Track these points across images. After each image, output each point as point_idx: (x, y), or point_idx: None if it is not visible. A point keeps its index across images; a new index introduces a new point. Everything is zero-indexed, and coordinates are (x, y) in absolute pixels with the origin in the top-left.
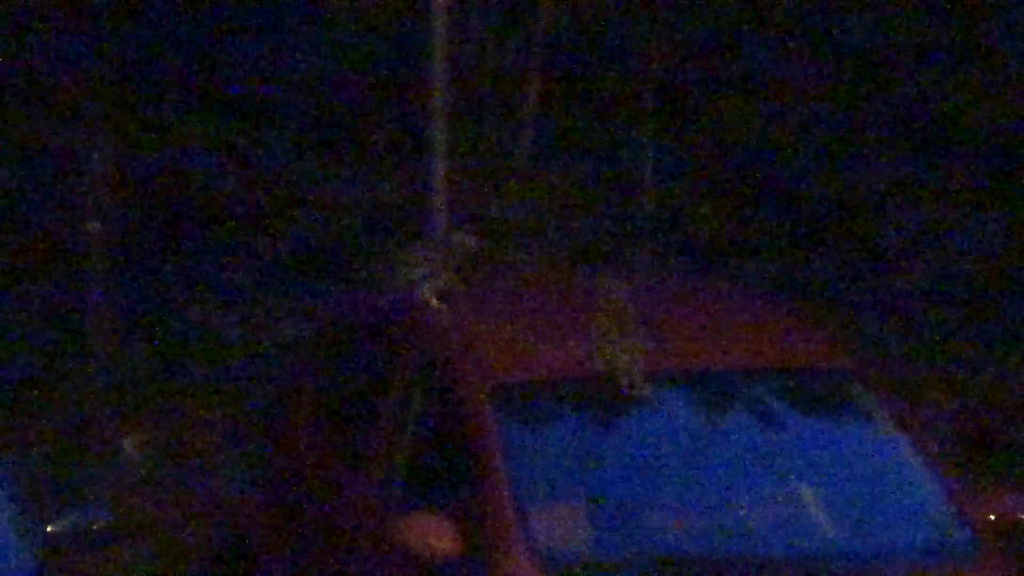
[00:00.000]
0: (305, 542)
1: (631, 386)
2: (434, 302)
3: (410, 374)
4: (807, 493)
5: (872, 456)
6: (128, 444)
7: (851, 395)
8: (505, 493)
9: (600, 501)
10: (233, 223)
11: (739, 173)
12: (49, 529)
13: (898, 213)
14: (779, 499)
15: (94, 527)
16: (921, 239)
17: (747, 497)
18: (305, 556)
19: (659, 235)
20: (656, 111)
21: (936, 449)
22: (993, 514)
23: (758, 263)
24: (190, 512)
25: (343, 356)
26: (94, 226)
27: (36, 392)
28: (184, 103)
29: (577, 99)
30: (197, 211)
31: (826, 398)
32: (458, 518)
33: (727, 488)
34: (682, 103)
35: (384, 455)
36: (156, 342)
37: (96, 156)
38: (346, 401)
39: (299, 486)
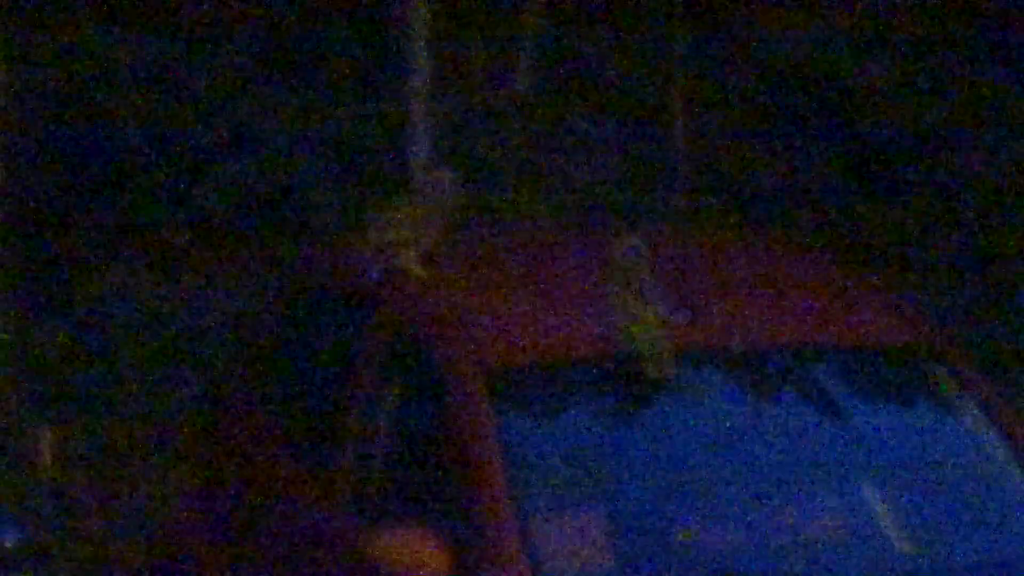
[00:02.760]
0: (255, 564)
1: (657, 369)
2: (416, 268)
3: (385, 357)
4: (875, 500)
5: (956, 454)
6: (39, 446)
7: (931, 380)
8: (503, 501)
9: (620, 510)
10: (163, 167)
11: (791, 104)
12: None
13: (992, 153)
14: (841, 508)
15: (2, 547)
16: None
17: (801, 506)
18: None
19: (692, 181)
20: (689, 26)
21: None
22: None
23: (815, 215)
24: (115, 527)
25: (301, 335)
26: None
27: None
28: (97, 12)
29: (590, 10)
30: (118, 151)
31: (900, 383)
32: (445, 533)
33: (776, 495)
34: (720, 16)
35: (354, 457)
36: (69, 319)
37: None
38: (306, 390)
39: (247, 495)
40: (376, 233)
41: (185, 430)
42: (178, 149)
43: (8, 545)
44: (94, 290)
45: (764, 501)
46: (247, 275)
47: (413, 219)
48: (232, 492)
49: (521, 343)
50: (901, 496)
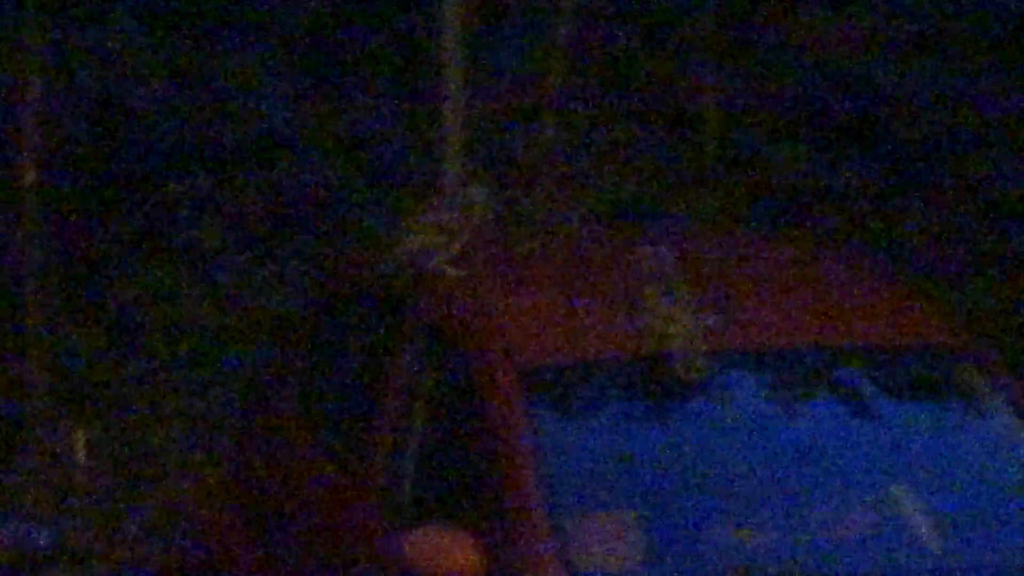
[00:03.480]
0: (288, 563)
1: (690, 369)
2: (450, 270)
3: (420, 358)
4: (909, 499)
5: (987, 454)
6: (73, 447)
7: (964, 379)
8: (537, 502)
9: (653, 510)
10: (198, 170)
11: (824, 105)
12: None
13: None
14: (874, 506)
15: (34, 546)
16: None
17: (834, 504)
18: None
19: (724, 183)
20: (721, 28)
21: None
22: None
23: (848, 217)
24: (149, 527)
25: (336, 336)
26: (30, 177)
27: None
28: (130, 16)
29: (623, 14)
30: (152, 154)
31: (931, 383)
32: (478, 533)
33: (809, 494)
34: (753, 18)
35: (387, 457)
36: (104, 320)
37: (24, 85)
38: (340, 391)
39: (281, 495)
40: (410, 235)
41: (218, 430)
42: (212, 151)
43: (41, 545)
44: (129, 291)
45: (795, 501)
46: (281, 277)
47: (446, 221)
48: (265, 492)
49: (554, 344)
50: (932, 495)
